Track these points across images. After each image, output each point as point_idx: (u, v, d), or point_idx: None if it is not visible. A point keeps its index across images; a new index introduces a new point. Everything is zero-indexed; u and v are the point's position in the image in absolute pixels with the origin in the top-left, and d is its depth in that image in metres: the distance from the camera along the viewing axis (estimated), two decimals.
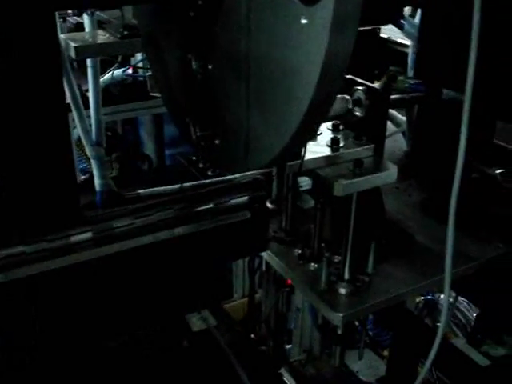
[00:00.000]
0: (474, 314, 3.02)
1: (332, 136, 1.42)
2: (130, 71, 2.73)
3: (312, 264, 1.53)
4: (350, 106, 1.45)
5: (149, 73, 2.63)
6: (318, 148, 1.37)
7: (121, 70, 2.69)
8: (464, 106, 1.08)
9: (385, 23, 1.72)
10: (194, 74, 1.24)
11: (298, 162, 1.30)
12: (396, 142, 2.36)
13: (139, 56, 2.74)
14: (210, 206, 1.31)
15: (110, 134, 3.65)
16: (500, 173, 1.80)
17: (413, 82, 1.52)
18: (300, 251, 1.56)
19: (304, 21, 0.88)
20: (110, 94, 2.79)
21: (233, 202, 1.34)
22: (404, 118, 2.32)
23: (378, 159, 1.40)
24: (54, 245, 1.17)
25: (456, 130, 1.68)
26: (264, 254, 1.58)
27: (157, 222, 1.25)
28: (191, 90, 1.28)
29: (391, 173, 1.36)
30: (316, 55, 0.87)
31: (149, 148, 4.09)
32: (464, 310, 3.10)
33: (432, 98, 1.55)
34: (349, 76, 1.50)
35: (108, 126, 4.01)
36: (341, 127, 1.48)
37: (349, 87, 1.48)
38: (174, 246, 1.26)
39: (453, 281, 1.38)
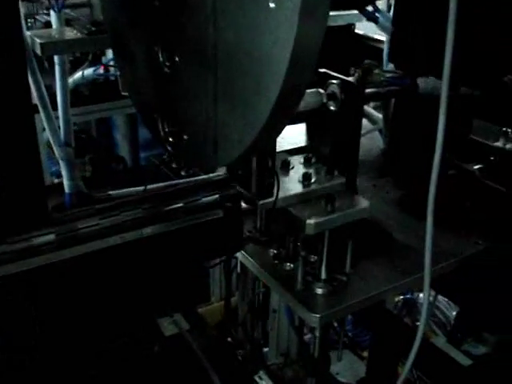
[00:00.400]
0: (454, 313, 3.00)
1: (304, 171, 1.40)
2: (101, 70, 2.65)
3: (288, 264, 1.48)
4: (325, 100, 1.41)
5: None
6: (290, 185, 1.36)
7: (91, 68, 2.61)
8: (441, 93, 1.03)
9: (357, 8, 1.68)
10: (161, 67, 1.19)
11: (271, 200, 1.30)
12: (372, 139, 2.34)
13: (110, 54, 2.67)
14: (180, 204, 1.25)
15: (83, 136, 3.57)
16: (478, 168, 1.78)
17: (388, 75, 1.48)
18: (275, 251, 1.51)
19: (272, 5, 0.83)
20: (80, 94, 2.72)
21: (204, 200, 1.28)
22: (380, 116, 2.29)
23: (351, 194, 1.40)
24: (14, 247, 1.11)
25: (432, 126, 1.65)
26: (239, 255, 1.52)
27: (124, 223, 1.19)
28: (158, 85, 1.23)
29: (363, 208, 1.35)
30: (285, 41, 0.83)
31: (123, 150, 4.02)
32: (444, 308, 3.08)
33: (408, 91, 1.51)
34: (323, 70, 1.46)
35: (81, 128, 3.94)
36: (313, 160, 1.46)
37: (323, 81, 1.44)
38: (142, 247, 1.20)
39: (432, 279, 1.35)
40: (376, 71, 1.43)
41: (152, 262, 1.21)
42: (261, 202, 1.30)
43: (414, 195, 1.85)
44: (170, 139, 1.21)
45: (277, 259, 1.50)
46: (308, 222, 1.28)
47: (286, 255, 1.49)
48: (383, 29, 1.77)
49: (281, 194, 1.31)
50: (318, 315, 1.33)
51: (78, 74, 2.63)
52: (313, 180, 1.39)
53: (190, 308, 1.79)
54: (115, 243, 1.18)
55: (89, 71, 2.63)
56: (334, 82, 1.40)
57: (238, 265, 1.74)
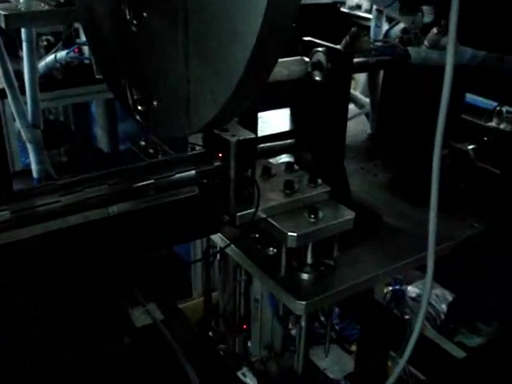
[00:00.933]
0: (444, 306, 2.92)
1: (285, 179, 1.32)
2: (74, 53, 2.52)
3: (271, 249, 1.37)
4: (309, 69, 1.30)
5: None
6: (271, 194, 1.28)
7: (64, 51, 2.48)
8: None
9: None
10: (129, 26, 1.07)
11: (250, 211, 1.21)
12: (359, 124, 2.25)
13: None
14: (151, 181, 1.13)
15: (59, 125, 3.43)
16: (472, 149, 1.68)
17: (378, 44, 1.37)
18: (257, 235, 1.40)
19: None
20: (53, 79, 2.59)
21: (177, 176, 1.16)
22: (367, 100, 2.20)
23: (335, 204, 1.32)
24: None
25: (425, 100, 1.56)
26: (218, 240, 1.41)
27: (87, 200, 1.07)
28: (126, 46, 1.11)
29: (348, 220, 1.27)
30: None
31: (102, 142, 3.89)
32: (433, 301, 2.99)
33: (399, 62, 1.40)
34: (307, 38, 1.36)
35: (58, 118, 3.79)
36: (295, 167, 1.37)
37: (307, 50, 1.33)
38: (109, 226, 1.08)
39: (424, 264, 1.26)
40: (365, 38, 1.33)
41: (120, 244, 1.09)
42: (239, 213, 1.22)
43: (404, 177, 1.76)
44: (140, 107, 1.09)
45: (259, 244, 1.38)
46: (290, 234, 1.21)
47: (268, 239, 1.37)
48: None
49: (262, 205, 1.24)
50: (303, 302, 1.22)
51: (51, 57, 2.50)
52: (295, 189, 1.31)
53: (164, 297, 1.67)
54: (78, 222, 1.06)
55: (62, 54, 2.50)
56: (320, 49, 1.29)
57: (218, 251, 1.63)
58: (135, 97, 1.10)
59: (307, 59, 1.29)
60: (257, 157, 1.29)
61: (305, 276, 1.29)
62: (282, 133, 1.71)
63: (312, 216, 1.25)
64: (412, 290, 3.02)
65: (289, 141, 1.65)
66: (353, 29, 1.31)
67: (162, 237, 1.16)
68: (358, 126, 2.20)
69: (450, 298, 3.14)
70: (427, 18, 1.52)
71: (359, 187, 1.69)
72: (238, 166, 1.20)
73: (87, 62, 2.60)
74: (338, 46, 1.31)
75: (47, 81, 2.53)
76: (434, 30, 1.42)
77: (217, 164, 1.21)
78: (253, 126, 1.23)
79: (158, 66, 1.02)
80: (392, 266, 1.38)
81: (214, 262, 1.90)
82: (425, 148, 1.76)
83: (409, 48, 1.39)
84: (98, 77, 2.47)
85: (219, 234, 1.36)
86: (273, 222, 1.25)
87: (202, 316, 2.42)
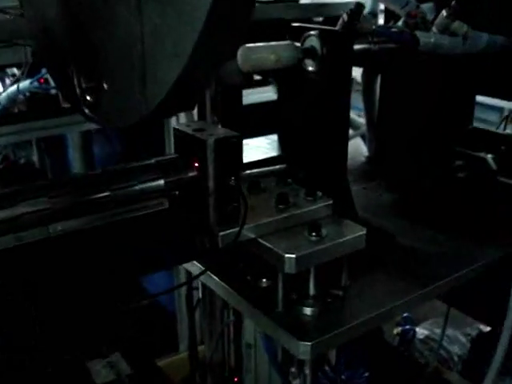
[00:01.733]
0: (455, 347, 2.65)
1: (278, 192, 1.09)
2: (37, 83, 2.29)
3: (263, 280, 1.11)
4: (300, 56, 1.07)
5: None
6: (261, 210, 1.05)
7: (28, 81, 2.25)
8: None
9: None
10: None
11: (233, 230, 0.97)
12: (355, 147, 2.06)
13: None
14: (107, 193, 0.88)
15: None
16: (492, 158, 1.45)
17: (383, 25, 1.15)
18: (244, 264, 1.14)
19: None
20: (16, 111, 2.35)
21: (142, 186, 0.91)
22: (362, 120, 2.00)
23: (340, 220, 1.08)
24: None
25: (426, 124, 1.36)
26: (195, 270, 1.15)
27: (22, 216, 0.82)
28: (71, 27, 0.88)
29: (358, 237, 1.04)
30: None
31: (77, 168, 3.60)
32: (445, 343, 2.72)
33: (407, 51, 1.18)
34: (297, 24, 1.14)
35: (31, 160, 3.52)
36: (289, 181, 1.17)
37: (297, 36, 1.11)
38: (49, 251, 0.82)
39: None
40: (365, 17, 1.10)
41: (64, 274, 0.83)
42: (222, 233, 0.97)
43: (412, 197, 1.53)
44: (88, 98, 0.85)
45: (248, 274, 1.13)
46: (288, 256, 0.96)
47: (259, 267, 1.12)
48: None
49: (250, 222, 0.99)
50: (308, 343, 0.96)
51: (13, 88, 2.27)
52: (290, 203, 1.08)
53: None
54: (7, 246, 0.80)
55: (25, 84, 2.27)
56: (313, 33, 1.07)
57: (200, 288, 1.36)
58: (83, 85, 0.86)
59: (298, 44, 1.07)
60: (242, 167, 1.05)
61: (308, 310, 1.04)
62: (271, 158, 1.48)
63: (313, 234, 1.01)
64: (420, 331, 2.74)
65: (278, 166, 1.41)
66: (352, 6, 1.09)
67: (120, 265, 0.90)
68: (353, 148, 1.99)
69: (462, 338, 2.87)
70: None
71: (364, 207, 1.45)
72: (218, 173, 0.96)
73: (53, 92, 2.37)
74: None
75: (9, 113, 2.29)
76: (444, 12, 1.21)
77: (192, 173, 0.97)
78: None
79: (105, 36, 0.78)
80: (413, 294, 1.13)
81: (197, 304, 1.62)
82: (430, 165, 1.56)
83: (417, 32, 1.17)
84: (64, 106, 2.27)
85: (195, 262, 1.11)
86: (265, 242, 1.00)
87: (189, 372, 2.13)
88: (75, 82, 0.88)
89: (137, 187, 0.91)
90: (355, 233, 1.03)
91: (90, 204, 0.87)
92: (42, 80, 2.39)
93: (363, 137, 2.15)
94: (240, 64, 1.00)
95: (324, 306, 1.04)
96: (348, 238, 1.02)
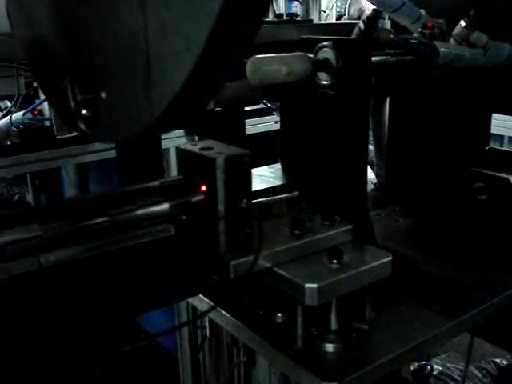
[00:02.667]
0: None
1: (293, 216, 1.00)
2: (31, 114, 2.21)
3: (279, 314, 1.01)
4: (313, 69, 0.99)
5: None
6: (275, 236, 0.95)
7: (20, 112, 2.17)
8: None
9: None
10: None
11: (246, 259, 0.87)
12: None
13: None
14: (105, 218, 0.78)
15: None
16: None
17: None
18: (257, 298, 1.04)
19: None
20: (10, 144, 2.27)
21: (143, 211, 0.81)
22: (370, 146, 1.91)
23: (361, 246, 0.99)
24: None
25: (441, 139, 1.28)
26: (203, 305, 1.04)
27: (9, 245, 0.71)
28: (63, 32, 0.79)
29: (384, 264, 0.94)
30: None
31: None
32: (456, 376, 2.60)
33: (424, 62, 1.10)
34: (306, 36, 1.06)
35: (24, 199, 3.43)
36: (302, 205, 1.10)
37: (309, 49, 1.02)
38: (40, 283, 0.72)
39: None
40: (383, 26, 1.03)
41: (56, 307, 0.73)
42: (233, 262, 0.87)
43: (430, 223, 1.43)
44: (84, 112, 0.76)
45: (261, 308, 1.02)
46: (309, 286, 0.86)
47: (274, 301, 1.01)
48: None
49: (264, 250, 0.89)
50: None
51: (5, 120, 2.19)
52: (307, 228, 0.98)
53: None
54: None
55: (18, 115, 2.19)
56: (327, 43, 0.98)
57: (207, 324, 1.25)
58: (78, 98, 0.77)
59: (311, 56, 0.99)
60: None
61: (330, 347, 0.93)
62: (279, 186, 1.39)
63: (335, 261, 0.90)
64: (434, 366, 2.61)
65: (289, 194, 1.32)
66: (369, 12, 1.01)
67: (118, 301, 0.80)
68: None
69: (478, 373, 2.75)
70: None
71: (381, 234, 1.35)
72: (228, 195, 0.86)
73: (48, 124, 2.29)
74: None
75: (1, 146, 2.21)
76: (462, 23, 1.13)
77: (199, 196, 0.87)
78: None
79: (103, 39, 0.70)
80: (443, 328, 1.02)
81: (202, 344, 1.50)
82: (448, 189, 1.47)
83: (436, 43, 1.09)
84: (58, 137, 2.18)
85: (203, 297, 1.00)
86: (282, 272, 0.90)
87: None
88: (70, 95, 0.79)
89: (138, 212, 0.81)
90: (380, 259, 0.93)
91: (85, 231, 0.77)
92: (36, 111, 2.31)
93: (370, 163, 2.07)
94: (249, 76, 0.91)
95: (348, 342, 0.93)
96: (373, 264, 0.92)
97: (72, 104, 0.78)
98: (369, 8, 3.50)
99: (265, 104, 2.39)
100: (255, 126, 2.66)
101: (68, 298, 0.75)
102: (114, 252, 0.77)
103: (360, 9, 4.15)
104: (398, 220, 1.50)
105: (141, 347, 2.60)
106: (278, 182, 1.43)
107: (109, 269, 0.78)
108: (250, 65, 0.91)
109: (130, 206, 0.81)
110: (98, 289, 0.78)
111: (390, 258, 0.93)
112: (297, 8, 4.00)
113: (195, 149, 0.89)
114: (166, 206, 0.84)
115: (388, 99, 1.62)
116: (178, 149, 0.91)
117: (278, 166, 1.53)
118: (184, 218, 0.85)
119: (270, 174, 1.49)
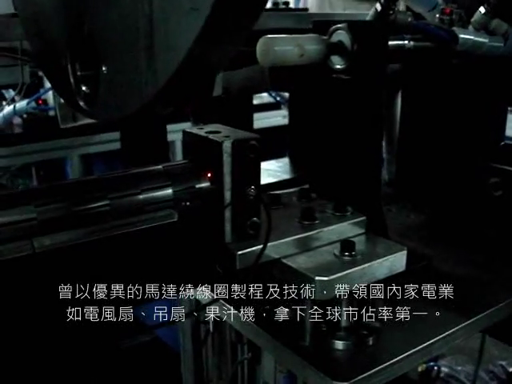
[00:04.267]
0: None
1: (302, 206, 0.96)
2: (34, 103, 2.18)
3: (286, 310, 0.96)
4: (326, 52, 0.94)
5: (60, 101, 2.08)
6: (284, 226, 0.90)
7: (24, 101, 2.13)
8: None
9: None
10: None
11: (255, 248, 0.83)
12: None
13: (49, 83, 2.21)
14: (105, 202, 0.73)
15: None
16: None
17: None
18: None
19: None
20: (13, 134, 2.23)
21: (146, 196, 0.77)
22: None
23: (375, 238, 0.94)
24: None
25: (455, 133, 1.24)
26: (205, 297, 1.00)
27: (1, 227, 0.67)
28: (65, 6, 0.75)
29: (398, 258, 0.89)
30: None
31: None
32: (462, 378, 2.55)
33: (442, 49, 1.05)
34: (318, 19, 1.01)
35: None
36: (313, 195, 1.05)
37: (323, 32, 0.98)
38: (33, 270, 0.68)
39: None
40: (400, 8, 0.98)
41: (48, 294, 0.68)
42: (240, 252, 0.82)
43: (442, 219, 1.39)
44: (84, 88, 0.72)
45: (268, 302, 0.97)
46: (319, 279, 0.81)
47: (281, 294, 0.96)
48: None
49: (271, 240, 0.84)
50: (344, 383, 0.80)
51: (9, 109, 2.15)
52: (317, 219, 0.93)
53: None
54: None
55: (21, 104, 2.15)
56: (341, 25, 0.94)
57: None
58: (78, 73, 0.73)
59: (325, 37, 0.94)
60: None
61: (340, 344, 0.88)
62: (288, 180, 1.35)
63: (347, 254, 0.86)
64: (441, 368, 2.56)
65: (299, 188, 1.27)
66: None
67: (117, 290, 0.75)
68: None
69: (485, 376, 2.69)
70: None
71: (392, 229, 1.30)
72: (235, 182, 0.81)
73: (52, 114, 2.26)
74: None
75: (5, 135, 2.17)
76: (481, 9, 1.08)
77: (205, 181, 0.83)
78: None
79: (103, 6, 0.65)
80: (457, 327, 0.97)
81: (205, 340, 1.45)
82: (462, 184, 1.42)
83: (455, 28, 1.04)
84: (62, 127, 2.14)
85: (205, 289, 0.95)
86: (290, 263, 0.85)
87: None
88: (70, 71, 0.74)
89: (141, 196, 0.77)
90: (395, 253, 0.88)
91: (84, 214, 0.72)
92: (41, 101, 2.28)
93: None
94: (260, 57, 0.87)
95: (360, 340, 0.88)
96: (387, 258, 0.87)
97: (72, 81, 0.74)
98: None
99: (274, 97, 2.35)
100: (262, 120, 2.61)
101: (63, 286, 0.70)
102: (113, 238, 0.73)
103: None
104: (410, 215, 1.45)
105: (141, 343, 2.56)
106: (286, 176, 1.39)
107: (107, 255, 0.74)
108: (260, 45, 0.86)
109: (133, 190, 0.76)
110: (95, 277, 0.73)
111: (405, 252, 0.89)
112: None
113: (201, 132, 0.84)
114: (169, 190, 0.79)
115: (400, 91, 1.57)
116: (184, 132, 0.87)
117: (286, 160, 1.49)
118: (188, 204, 0.80)
119: (278, 168, 1.45)
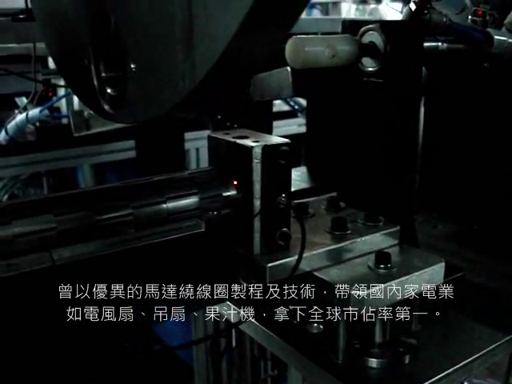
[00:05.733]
0: None
1: (333, 216, 0.90)
2: (48, 113, 2.14)
3: (315, 324, 0.91)
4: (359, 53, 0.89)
5: (76, 108, 2.05)
6: (313, 237, 0.86)
7: (37, 109, 2.10)
8: None
9: None
10: None
11: (286, 261, 0.78)
12: None
13: (62, 91, 2.18)
14: (129, 211, 0.69)
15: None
16: None
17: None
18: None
19: None
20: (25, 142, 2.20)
21: (172, 204, 0.73)
22: None
23: (410, 249, 0.89)
24: None
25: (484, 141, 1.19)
26: (229, 314, 0.95)
27: (17, 239, 0.63)
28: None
29: (437, 270, 0.84)
30: None
31: None
32: None
33: (476, 51, 1.00)
34: (349, 18, 0.96)
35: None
36: (341, 204, 0.99)
37: (353, 34, 0.93)
38: (52, 283, 0.64)
39: None
40: (435, 9, 0.93)
41: (68, 309, 0.64)
42: (270, 264, 0.77)
43: (471, 229, 1.33)
44: (109, 90, 0.68)
45: (295, 316, 0.92)
46: (355, 293, 0.76)
47: (310, 308, 0.91)
48: None
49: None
50: None
51: (21, 117, 2.12)
52: (349, 229, 0.88)
53: None
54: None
55: (34, 112, 2.12)
56: (373, 26, 0.89)
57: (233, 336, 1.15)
58: (103, 75, 0.69)
59: (356, 38, 0.89)
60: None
61: (374, 362, 0.82)
62: (309, 189, 1.30)
63: (382, 266, 0.80)
64: None
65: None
66: None
67: (142, 304, 0.70)
68: None
69: None
70: None
71: (420, 240, 1.25)
72: (266, 189, 0.76)
73: (65, 122, 2.23)
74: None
75: (17, 143, 2.14)
76: None
77: (232, 190, 0.78)
78: None
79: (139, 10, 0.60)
80: (498, 343, 0.92)
81: (222, 355, 1.40)
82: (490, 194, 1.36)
83: (489, 30, 0.99)
84: (75, 135, 2.11)
85: (231, 304, 0.90)
86: (323, 277, 0.80)
87: None
88: (93, 73, 0.70)
89: (166, 205, 0.72)
90: (433, 265, 0.83)
91: (105, 225, 0.68)
92: (53, 109, 2.25)
93: None
94: (290, 57, 0.82)
95: (395, 357, 0.83)
96: (425, 270, 0.82)
97: (95, 83, 0.69)
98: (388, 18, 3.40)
99: (291, 105, 2.31)
100: (277, 128, 2.56)
101: (82, 299, 0.66)
102: (134, 251, 0.68)
103: (380, 18, 4.07)
104: (436, 226, 1.40)
105: (153, 355, 2.49)
106: (305, 185, 1.34)
107: (129, 268, 0.69)
108: (291, 45, 0.82)
109: (157, 199, 0.72)
110: (117, 290, 0.68)
111: (443, 264, 0.84)
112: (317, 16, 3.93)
113: (229, 137, 0.80)
114: (196, 199, 0.75)
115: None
116: (209, 137, 0.82)
117: (304, 168, 1.44)
118: (215, 213, 0.76)
119: (296, 177, 1.40)
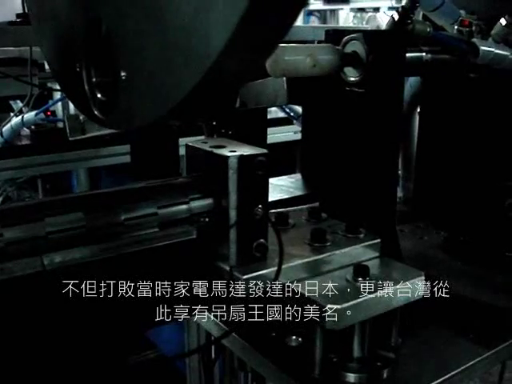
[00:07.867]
0: None
1: (312, 227, 0.89)
2: (44, 116, 2.13)
3: (293, 337, 0.90)
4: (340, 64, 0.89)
5: (71, 112, 2.05)
6: (292, 249, 0.85)
7: (32, 112, 2.10)
8: None
9: None
10: None
11: (260, 273, 0.77)
12: None
13: (58, 95, 2.18)
14: (122, 217, 0.69)
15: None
16: None
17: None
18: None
19: None
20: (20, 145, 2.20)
21: (163, 211, 0.72)
22: None
23: (390, 262, 0.88)
24: None
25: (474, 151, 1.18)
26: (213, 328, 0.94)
27: (8, 246, 0.62)
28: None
29: (416, 283, 0.83)
30: None
31: None
32: None
33: (461, 63, 0.99)
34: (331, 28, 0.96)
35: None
36: (323, 215, 0.98)
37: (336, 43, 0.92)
38: (43, 288, 0.63)
39: None
40: (419, 19, 0.92)
41: (60, 315, 0.63)
42: (245, 275, 0.76)
43: (458, 240, 1.32)
44: (99, 96, 0.67)
45: (275, 330, 0.92)
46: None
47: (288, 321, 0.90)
48: None
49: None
50: None
51: (17, 120, 2.11)
52: (329, 241, 0.87)
53: None
54: None
55: (30, 115, 2.11)
56: (356, 35, 0.88)
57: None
58: (94, 80, 0.68)
59: (339, 48, 0.88)
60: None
61: (352, 377, 0.82)
62: (298, 197, 1.30)
63: (360, 279, 0.79)
64: None
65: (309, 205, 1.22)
66: (404, 2, 0.90)
67: (133, 310, 0.70)
68: None
69: None
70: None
71: (408, 251, 1.24)
72: (242, 200, 0.76)
73: (60, 125, 2.22)
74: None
75: (12, 147, 2.13)
76: (502, 21, 1.03)
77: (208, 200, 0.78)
78: None
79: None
80: (479, 358, 0.90)
81: (215, 361, 1.39)
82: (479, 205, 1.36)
83: (475, 40, 0.98)
84: (71, 139, 2.10)
85: (215, 319, 0.90)
86: (300, 289, 0.79)
87: None
88: (85, 78, 0.69)
89: (158, 211, 0.72)
90: (412, 278, 0.82)
91: (97, 230, 0.67)
92: (49, 112, 2.24)
93: None
94: (269, 67, 0.81)
95: (373, 372, 0.82)
96: (404, 284, 0.81)
97: (86, 87, 0.69)
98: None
99: (286, 112, 2.29)
100: (274, 135, 2.56)
101: (73, 305, 0.65)
102: (125, 256, 0.68)
103: (377, 26, 4.07)
104: (423, 237, 1.39)
105: (147, 361, 2.49)
106: (298, 193, 1.33)
107: (120, 274, 0.68)
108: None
109: (149, 204, 0.71)
110: (108, 296, 0.67)
111: (423, 277, 0.83)
112: (314, 23, 3.93)
113: (206, 146, 0.79)
114: (187, 206, 0.74)
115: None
116: (187, 146, 0.82)
117: (299, 176, 1.43)
118: (207, 220, 0.75)
119: (290, 184, 1.39)
